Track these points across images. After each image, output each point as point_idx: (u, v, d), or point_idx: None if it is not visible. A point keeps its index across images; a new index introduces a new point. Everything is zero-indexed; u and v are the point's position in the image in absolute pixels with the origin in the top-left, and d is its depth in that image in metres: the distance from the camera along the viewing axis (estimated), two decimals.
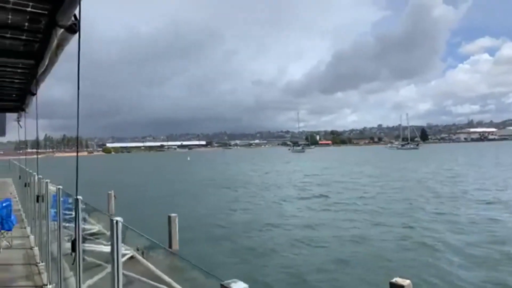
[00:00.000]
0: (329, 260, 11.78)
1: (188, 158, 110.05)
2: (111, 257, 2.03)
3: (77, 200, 2.79)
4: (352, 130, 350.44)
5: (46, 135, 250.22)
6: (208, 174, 49.38)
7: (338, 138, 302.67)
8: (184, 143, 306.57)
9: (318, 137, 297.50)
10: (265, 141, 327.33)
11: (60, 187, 4.04)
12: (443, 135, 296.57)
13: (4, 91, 7.80)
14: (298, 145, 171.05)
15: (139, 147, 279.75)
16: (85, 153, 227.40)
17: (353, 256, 12.06)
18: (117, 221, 2.02)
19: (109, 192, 19.93)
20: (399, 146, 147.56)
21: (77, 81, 2.42)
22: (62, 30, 3.35)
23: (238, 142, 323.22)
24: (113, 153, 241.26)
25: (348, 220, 17.24)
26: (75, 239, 2.78)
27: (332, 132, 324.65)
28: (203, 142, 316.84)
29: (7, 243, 6.70)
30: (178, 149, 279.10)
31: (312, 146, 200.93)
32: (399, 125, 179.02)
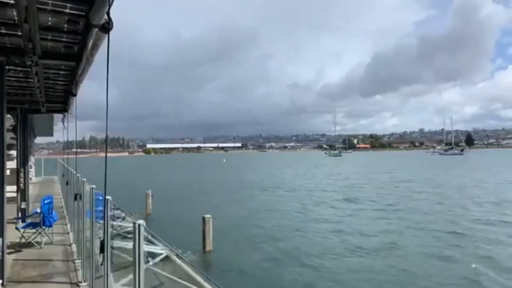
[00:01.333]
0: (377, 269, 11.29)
1: (224, 160, 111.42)
2: (133, 259, 2.01)
3: (106, 200, 2.76)
4: (392, 134, 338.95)
5: (90, 135, 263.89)
6: (245, 176, 49.53)
7: (377, 142, 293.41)
8: (220, 145, 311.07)
9: (356, 141, 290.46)
10: (300, 144, 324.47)
11: (94, 186, 4.07)
12: (491, 141, 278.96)
13: (50, 93, 8.17)
14: (335, 149, 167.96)
15: (177, 148, 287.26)
16: (127, 154, 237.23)
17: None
18: (139, 225, 1.95)
19: (147, 191, 20.46)
20: (442, 151, 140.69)
21: (106, 78, 2.36)
22: (96, 29, 3.37)
23: (273, 144, 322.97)
24: (152, 154, 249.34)
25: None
26: (103, 240, 2.75)
27: (371, 136, 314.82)
28: (239, 145, 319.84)
29: (48, 239, 6.96)
30: (214, 151, 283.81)
31: (350, 150, 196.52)
32: (442, 129, 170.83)
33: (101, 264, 2.85)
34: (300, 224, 17.82)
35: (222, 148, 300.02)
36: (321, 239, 15.00)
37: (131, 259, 6.88)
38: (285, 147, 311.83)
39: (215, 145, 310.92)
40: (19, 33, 4.19)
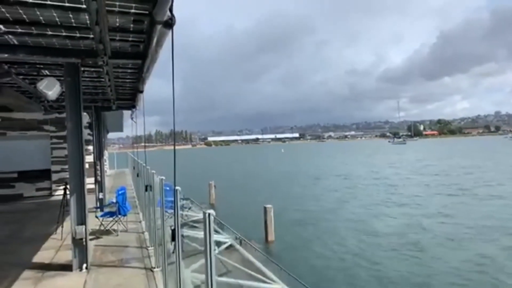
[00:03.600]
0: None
1: (282, 150, 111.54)
2: (204, 247, 2.11)
3: (176, 191, 2.85)
4: (462, 119, 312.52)
5: (156, 130, 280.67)
6: (305, 166, 49.06)
7: (446, 128, 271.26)
8: (278, 136, 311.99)
9: (422, 127, 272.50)
10: (361, 133, 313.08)
11: (163, 178, 4.26)
12: None
13: (120, 91, 8.74)
14: (399, 137, 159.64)
15: (236, 140, 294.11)
16: (189, 146, 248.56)
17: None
18: (209, 214, 2.01)
19: (210, 182, 21.23)
20: None
21: (169, 74, 2.42)
22: (160, 26, 3.47)
23: (332, 134, 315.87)
24: (213, 146, 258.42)
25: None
26: (174, 229, 2.86)
27: (439, 121, 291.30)
28: (296, 135, 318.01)
29: (124, 227, 7.50)
30: (272, 142, 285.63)
31: (416, 138, 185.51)
32: None
33: (173, 252, 2.98)
34: (371, 217, 17.21)
35: (280, 139, 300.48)
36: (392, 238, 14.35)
37: (199, 247, 7.16)
38: (345, 136, 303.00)
39: (272, 136, 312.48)
40: (91, 36, 4.50)
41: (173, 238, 2.85)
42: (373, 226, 15.12)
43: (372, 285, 9.35)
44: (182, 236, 3.27)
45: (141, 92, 6.56)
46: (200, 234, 11.03)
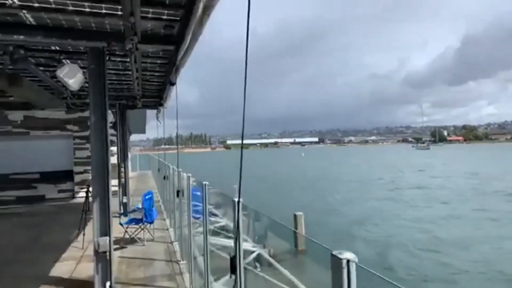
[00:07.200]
0: None
1: (303, 154, 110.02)
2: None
3: (239, 203, 2.06)
4: (488, 125, 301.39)
5: (176, 133, 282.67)
6: (328, 170, 47.74)
7: (471, 134, 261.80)
8: (297, 139, 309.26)
9: (445, 133, 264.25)
10: (382, 138, 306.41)
11: (206, 182, 3.47)
12: None
13: (146, 86, 8.07)
14: (422, 142, 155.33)
15: (255, 144, 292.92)
16: (209, 149, 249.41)
17: None
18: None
19: (234, 186, 20.51)
20: None
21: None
22: None
23: (352, 138, 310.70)
24: (232, 149, 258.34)
25: None
26: (234, 256, 2.05)
27: (464, 127, 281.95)
28: (316, 139, 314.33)
29: (150, 235, 6.78)
30: (291, 146, 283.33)
31: (440, 143, 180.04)
32: None
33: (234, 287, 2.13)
34: (404, 224, 16.04)
35: (299, 143, 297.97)
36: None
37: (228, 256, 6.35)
38: (366, 141, 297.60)
39: (291, 139, 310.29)
40: (120, 12, 3.79)
41: (233, 270, 2.03)
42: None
43: None
44: (245, 268, 2.42)
45: (173, 84, 5.81)
46: (228, 242, 10.27)
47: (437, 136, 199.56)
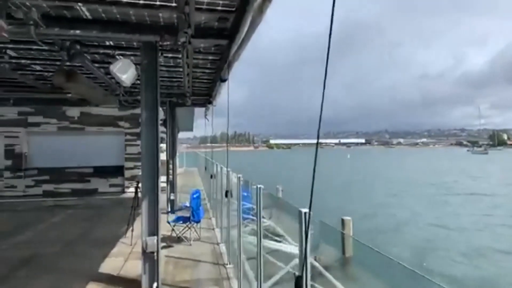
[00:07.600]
0: None
1: (348, 156, 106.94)
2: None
3: (300, 213, 1.75)
4: None
5: (221, 132, 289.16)
6: (375, 173, 45.85)
7: None
8: (342, 140, 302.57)
9: (505, 136, 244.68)
10: (433, 140, 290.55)
11: (261, 186, 3.20)
12: None
13: (196, 83, 7.99)
14: (479, 145, 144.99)
15: (298, 144, 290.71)
16: (252, 148, 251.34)
17: None
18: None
19: (277, 186, 20.31)
20: None
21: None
22: None
23: (401, 140, 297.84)
24: (274, 148, 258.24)
25: None
26: (300, 277, 1.73)
27: None
28: (362, 140, 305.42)
29: (197, 235, 6.67)
30: (335, 147, 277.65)
31: (500, 147, 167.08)
32: None
33: None
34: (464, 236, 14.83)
35: (344, 144, 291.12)
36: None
37: (277, 262, 6.04)
38: (416, 144, 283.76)
39: (336, 140, 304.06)
40: (174, 4, 3.63)
41: None
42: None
43: None
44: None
45: (224, 80, 5.62)
46: (275, 245, 9.98)
47: (496, 140, 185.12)
